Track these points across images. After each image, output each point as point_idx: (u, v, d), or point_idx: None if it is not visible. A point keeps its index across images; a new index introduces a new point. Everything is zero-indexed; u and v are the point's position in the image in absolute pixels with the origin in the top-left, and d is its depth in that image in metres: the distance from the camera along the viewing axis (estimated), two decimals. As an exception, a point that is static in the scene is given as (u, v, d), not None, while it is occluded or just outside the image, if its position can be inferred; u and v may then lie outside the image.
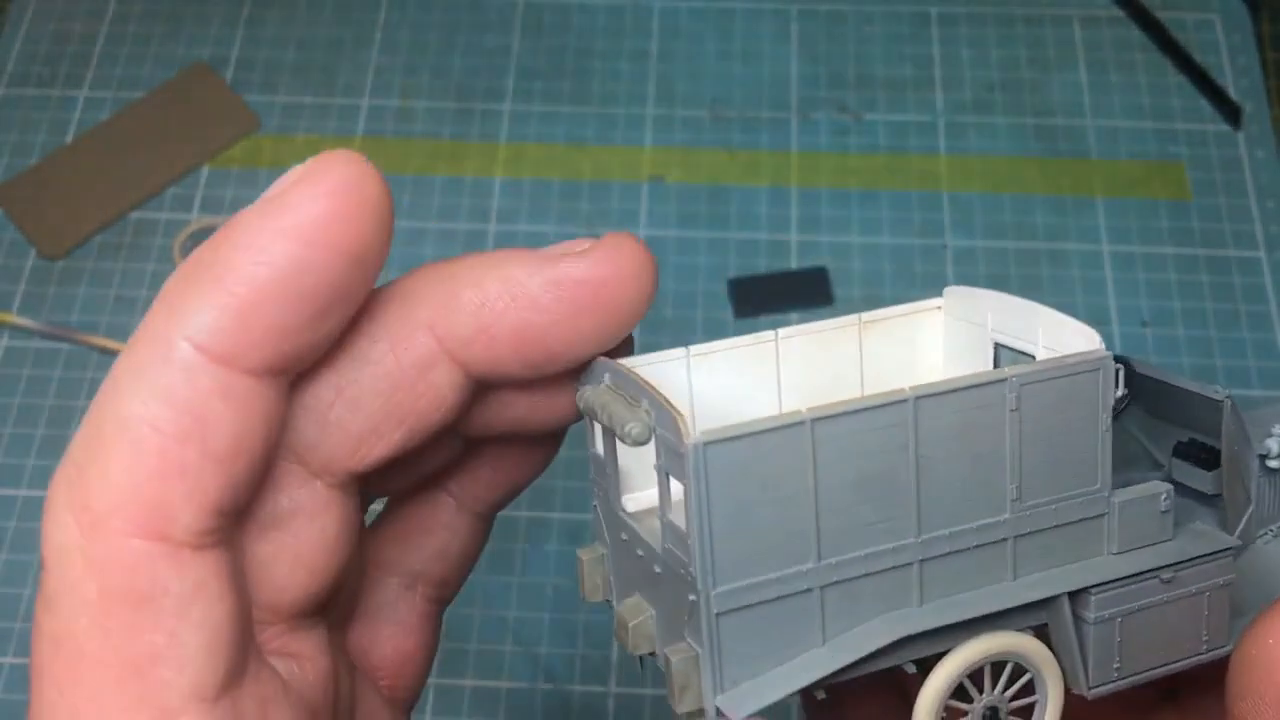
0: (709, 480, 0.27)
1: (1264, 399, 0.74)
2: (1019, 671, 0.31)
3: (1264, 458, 0.33)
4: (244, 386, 0.26)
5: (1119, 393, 0.31)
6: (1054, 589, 0.30)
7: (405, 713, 0.35)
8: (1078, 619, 0.31)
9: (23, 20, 0.90)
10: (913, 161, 0.83)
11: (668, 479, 0.28)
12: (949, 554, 0.29)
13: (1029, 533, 0.30)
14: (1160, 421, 0.34)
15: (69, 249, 0.80)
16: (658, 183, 0.83)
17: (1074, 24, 0.88)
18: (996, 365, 0.33)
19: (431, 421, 0.29)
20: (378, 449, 0.29)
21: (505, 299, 0.29)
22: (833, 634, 0.29)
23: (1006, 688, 0.31)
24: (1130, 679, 0.31)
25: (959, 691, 0.30)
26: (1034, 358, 0.32)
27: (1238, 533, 0.32)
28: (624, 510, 0.31)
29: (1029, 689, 0.31)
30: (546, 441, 0.34)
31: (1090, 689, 0.31)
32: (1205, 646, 0.32)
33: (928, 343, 0.35)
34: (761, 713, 0.28)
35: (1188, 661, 0.32)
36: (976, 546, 0.30)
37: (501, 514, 0.36)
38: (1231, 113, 0.84)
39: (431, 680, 0.50)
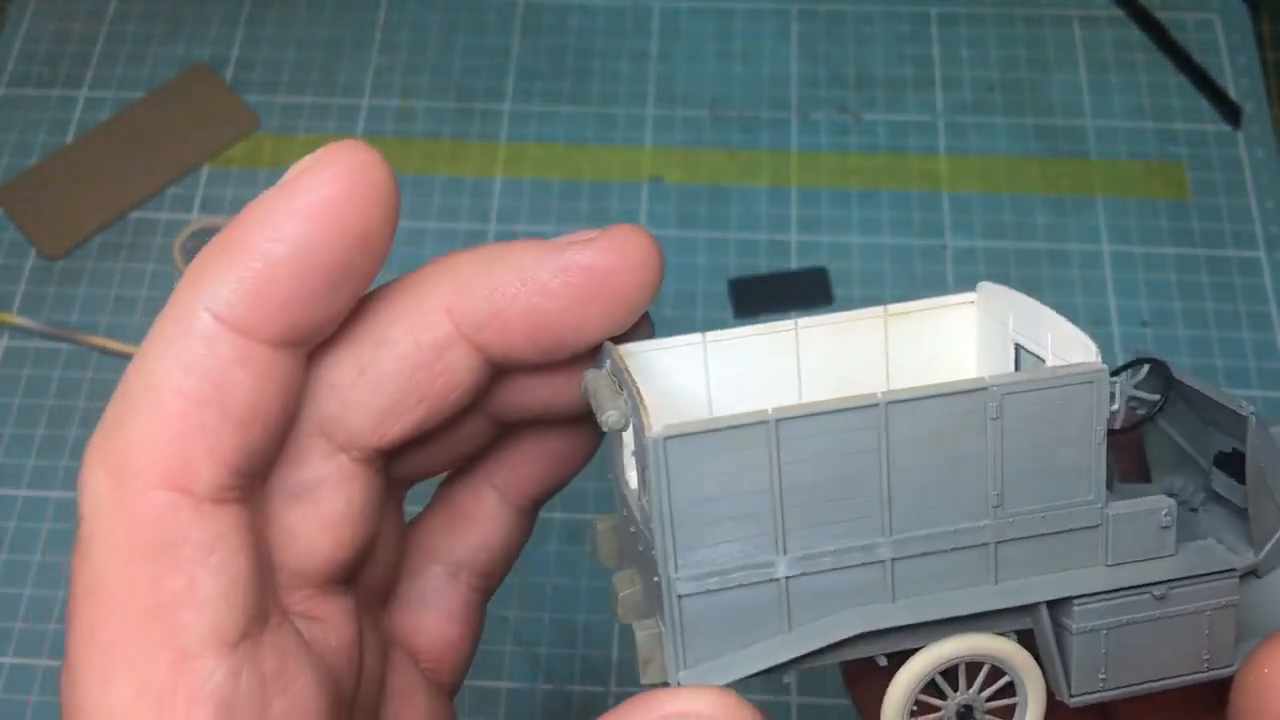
0: (669, 472, 0.28)
1: (1264, 399, 0.74)
2: (998, 673, 0.31)
3: None
4: (261, 355, 0.28)
5: (1153, 397, 0.31)
6: (1030, 597, 0.30)
7: (449, 697, 0.37)
8: (1061, 628, 0.31)
9: (23, 20, 0.90)
10: (913, 161, 0.83)
11: (642, 466, 0.29)
12: (924, 555, 0.30)
13: (1012, 539, 0.30)
14: (1210, 428, 0.34)
15: (69, 249, 0.80)
16: (658, 183, 0.83)
17: (1074, 24, 0.88)
18: (1016, 366, 0.33)
19: (449, 401, 0.31)
20: (398, 427, 0.31)
21: (516, 284, 0.30)
22: (799, 623, 0.29)
23: (983, 688, 0.31)
24: (1118, 691, 0.31)
25: (935, 688, 0.31)
26: (1045, 361, 0.32)
27: (1265, 553, 0.32)
28: (626, 486, 0.32)
29: (1010, 691, 0.31)
30: (584, 437, 0.36)
31: (1072, 697, 0.31)
32: (1206, 665, 0.32)
33: (958, 337, 0.35)
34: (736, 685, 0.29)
35: (1184, 679, 0.32)
36: (954, 549, 0.30)
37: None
38: (1231, 113, 0.84)
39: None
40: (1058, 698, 0.31)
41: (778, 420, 0.28)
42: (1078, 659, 0.31)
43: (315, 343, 0.30)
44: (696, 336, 0.33)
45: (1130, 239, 0.80)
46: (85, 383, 0.76)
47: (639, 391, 0.29)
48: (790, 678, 0.30)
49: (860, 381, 0.34)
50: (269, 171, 0.82)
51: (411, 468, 0.34)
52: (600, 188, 0.82)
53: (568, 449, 0.36)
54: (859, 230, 0.80)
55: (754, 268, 0.79)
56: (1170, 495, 0.31)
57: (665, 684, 0.29)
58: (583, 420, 0.34)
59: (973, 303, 0.35)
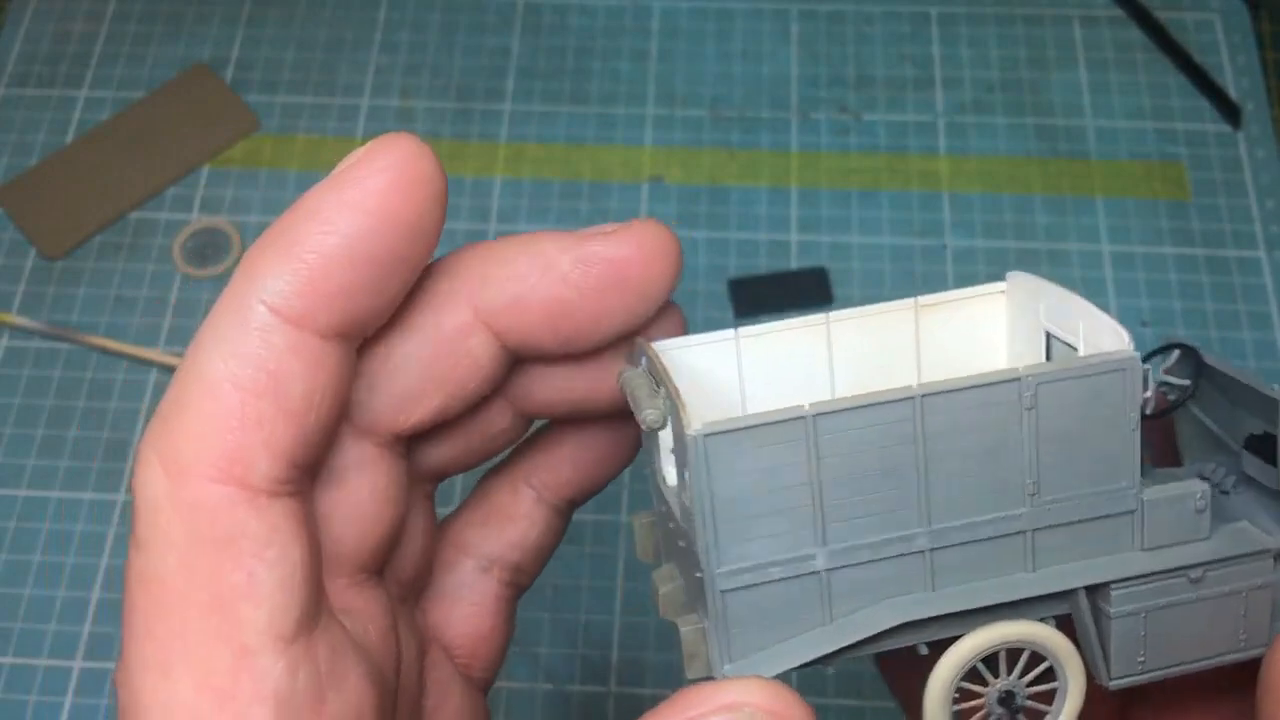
0: (710, 469, 0.28)
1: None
2: (1039, 659, 0.31)
3: None
4: (315, 346, 0.28)
5: (1184, 382, 0.31)
6: (1067, 583, 0.31)
7: (482, 691, 0.37)
8: (1099, 612, 0.31)
9: (23, 20, 0.90)
10: (913, 161, 0.83)
11: (682, 463, 0.29)
12: (962, 544, 0.30)
13: (1048, 526, 0.30)
14: (1241, 411, 0.34)
15: (69, 249, 0.80)
16: (658, 183, 0.83)
17: (1074, 24, 0.88)
18: (1048, 355, 0.33)
19: (469, 388, 0.32)
20: (418, 412, 0.31)
21: (536, 273, 0.31)
22: (841, 614, 0.30)
23: (1024, 674, 0.31)
24: (1157, 672, 0.32)
25: (976, 675, 0.31)
26: (1077, 350, 0.32)
27: None
28: (664, 482, 0.32)
29: (1051, 675, 0.31)
30: (624, 441, 0.36)
31: (1111, 680, 0.32)
32: (1243, 645, 0.32)
33: (989, 328, 0.35)
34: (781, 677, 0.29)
35: (1222, 659, 0.32)
36: (991, 538, 0.30)
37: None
38: (1231, 113, 0.84)
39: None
40: (1097, 681, 0.32)
41: (815, 415, 0.28)
42: (1117, 643, 0.31)
43: (367, 334, 0.30)
44: (729, 332, 0.33)
45: (1130, 239, 0.80)
46: (85, 383, 0.76)
47: (676, 390, 0.29)
48: (831, 671, 0.30)
49: (892, 373, 0.34)
50: (269, 171, 0.82)
51: (439, 460, 0.34)
52: (600, 188, 0.82)
53: (607, 452, 0.36)
54: (859, 230, 0.80)
55: (754, 268, 0.79)
56: (1202, 479, 0.32)
57: (710, 678, 0.30)
58: (622, 423, 0.34)
59: (1003, 292, 0.35)
